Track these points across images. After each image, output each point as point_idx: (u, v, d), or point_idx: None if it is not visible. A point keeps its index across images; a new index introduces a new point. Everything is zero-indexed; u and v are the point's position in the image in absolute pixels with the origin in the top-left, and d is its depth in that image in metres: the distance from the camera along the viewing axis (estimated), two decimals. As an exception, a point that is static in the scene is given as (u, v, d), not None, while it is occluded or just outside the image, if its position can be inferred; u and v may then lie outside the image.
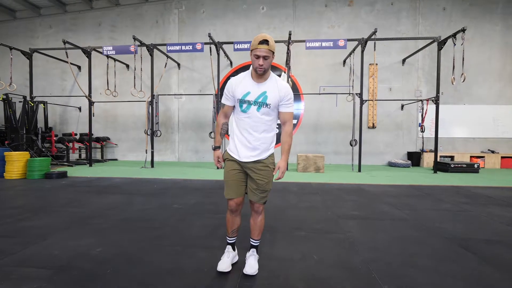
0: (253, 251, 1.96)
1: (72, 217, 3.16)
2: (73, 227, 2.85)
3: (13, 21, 10.74)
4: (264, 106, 1.78)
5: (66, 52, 7.71)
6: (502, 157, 8.77)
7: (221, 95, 8.24)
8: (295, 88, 9.18)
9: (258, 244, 2.00)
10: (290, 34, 7.30)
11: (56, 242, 2.45)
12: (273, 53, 1.72)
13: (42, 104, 9.11)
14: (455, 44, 6.79)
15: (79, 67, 10.20)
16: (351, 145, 7.60)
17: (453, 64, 6.89)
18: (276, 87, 1.79)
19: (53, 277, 1.85)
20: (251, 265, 1.88)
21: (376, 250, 2.29)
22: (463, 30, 6.51)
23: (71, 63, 8.80)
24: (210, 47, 7.67)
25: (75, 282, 1.79)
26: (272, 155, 1.89)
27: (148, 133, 7.98)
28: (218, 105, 7.83)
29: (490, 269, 2.00)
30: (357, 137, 7.45)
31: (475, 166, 7.45)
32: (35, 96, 8.62)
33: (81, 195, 4.33)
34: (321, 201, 4.01)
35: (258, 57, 1.68)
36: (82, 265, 2.01)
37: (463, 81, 6.71)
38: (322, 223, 3.02)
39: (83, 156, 10.14)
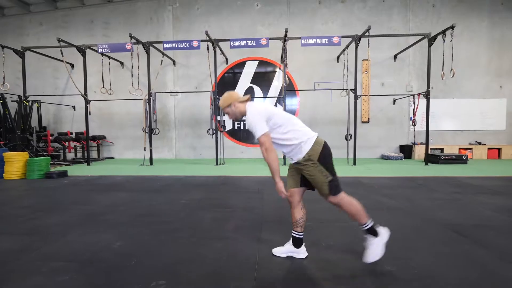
0: (369, 238, 1.98)
1: (84, 215, 3.26)
2: (87, 224, 2.96)
3: (1, 18, 10.50)
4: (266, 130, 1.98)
5: (61, 51, 7.64)
6: (488, 149, 9.19)
7: (219, 92, 8.34)
8: (290, 85, 9.33)
9: (364, 227, 1.96)
10: (286, 32, 7.43)
11: (75, 238, 2.57)
12: (228, 105, 2.05)
13: (36, 103, 9.01)
14: (444, 41, 7.05)
15: (72, 65, 10.09)
16: (346, 139, 7.83)
17: (443, 59, 7.17)
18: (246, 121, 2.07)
19: (82, 269, 1.98)
20: (369, 253, 1.96)
21: (377, 236, 2.49)
22: (452, 27, 6.76)
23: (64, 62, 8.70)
24: (208, 45, 7.72)
25: (104, 272, 1.92)
26: (306, 154, 1.93)
27: (146, 131, 8.03)
28: (215, 102, 7.92)
29: (479, 249, 2.22)
30: (351, 132, 7.69)
31: (464, 157, 7.81)
32: (28, 96, 8.52)
33: (87, 194, 4.41)
34: (321, 194, 4.21)
35: None
36: (107, 258, 2.14)
37: (453, 76, 6.99)
38: (324, 214, 3.21)
39: (79, 155, 10.10)
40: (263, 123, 1.92)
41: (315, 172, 1.94)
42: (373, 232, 1.97)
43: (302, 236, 2.08)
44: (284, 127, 1.97)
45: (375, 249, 1.95)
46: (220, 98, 2.12)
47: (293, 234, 2.10)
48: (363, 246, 2.28)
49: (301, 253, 2.09)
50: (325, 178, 1.93)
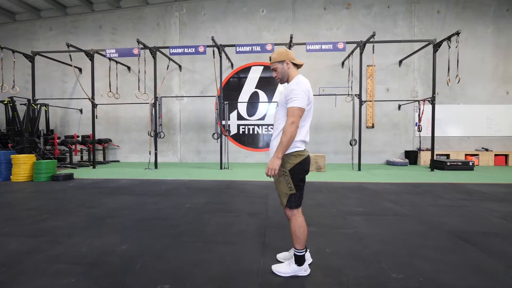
0: (292, 260, 1.94)
1: (89, 217, 3.29)
2: (93, 226, 2.98)
3: (13, 23, 10.76)
4: (277, 105, 1.98)
5: (70, 55, 7.78)
6: (495, 155, 9.06)
7: (224, 97, 8.40)
8: (295, 89, 9.34)
9: (294, 252, 1.92)
10: (291, 38, 7.49)
11: (81, 240, 2.59)
12: (280, 62, 1.92)
13: (44, 107, 9.17)
14: (450, 47, 7.02)
15: (80, 69, 10.26)
16: (351, 144, 7.80)
17: (448, 65, 7.14)
18: (286, 87, 1.92)
19: (87, 271, 1.99)
20: (281, 265, 1.98)
21: (383, 243, 2.47)
22: (458, 33, 6.75)
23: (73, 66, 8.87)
24: (213, 50, 7.81)
25: (109, 276, 1.94)
26: (285, 156, 1.84)
27: (152, 134, 8.10)
28: (220, 107, 7.97)
29: (486, 257, 2.19)
30: (356, 137, 7.66)
31: (470, 164, 7.71)
32: (37, 99, 8.66)
33: (93, 196, 4.45)
34: (326, 199, 4.19)
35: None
36: (112, 261, 2.15)
37: (458, 82, 6.94)
38: (329, 219, 3.20)
39: (85, 158, 10.21)
40: (306, 99, 1.81)
41: (281, 179, 1.88)
42: (299, 261, 1.90)
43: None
44: (303, 121, 1.87)
45: (287, 268, 1.91)
46: (274, 52, 1.95)
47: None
48: (367, 253, 2.27)
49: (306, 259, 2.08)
50: (287, 190, 1.86)
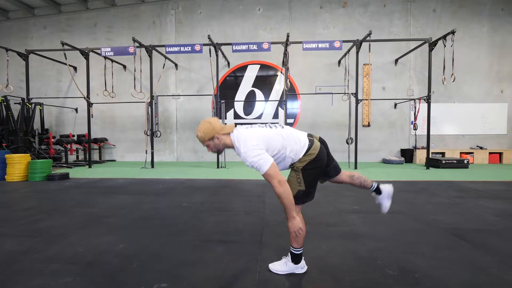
0: (289, 258, 1.95)
1: (86, 217, 3.28)
2: (90, 226, 2.97)
3: (6, 21, 10.61)
4: None
5: (65, 54, 7.70)
6: (489, 153, 9.17)
7: (220, 95, 8.39)
8: (292, 88, 9.37)
9: (291, 250, 1.90)
10: (288, 36, 7.49)
11: (77, 240, 2.57)
12: (210, 138, 1.79)
13: (39, 106, 9.08)
14: (445, 46, 7.07)
15: (75, 68, 10.16)
16: (348, 143, 7.84)
17: (444, 64, 7.20)
18: (239, 154, 1.80)
19: (84, 271, 1.98)
20: (277, 263, 1.99)
21: (379, 240, 2.50)
22: (453, 32, 6.80)
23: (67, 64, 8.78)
24: (210, 49, 7.78)
25: (106, 275, 1.93)
26: (298, 161, 1.84)
27: (148, 133, 8.06)
28: (217, 106, 7.96)
29: (481, 254, 2.22)
30: (352, 135, 7.70)
31: (465, 162, 7.79)
32: (31, 98, 8.57)
33: (89, 196, 4.42)
34: (322, 197, 4.21)
35: None
36: (109, 260, 2.14)
37: (453, 80, 7.00)
38: (326, 217, 3.22)
39: (81, 157, 10.13)
40: (264, 151, 1.69)
41: (292, 174, 1.88)
42: (296, 259, 1.91)
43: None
44: (284, 148, 1.78)
45: (284, 266, 1.94)
46: (198, 128, 1.82)
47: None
48: (364, 251, 2.29)
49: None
50: (296, 184, 1.83)
